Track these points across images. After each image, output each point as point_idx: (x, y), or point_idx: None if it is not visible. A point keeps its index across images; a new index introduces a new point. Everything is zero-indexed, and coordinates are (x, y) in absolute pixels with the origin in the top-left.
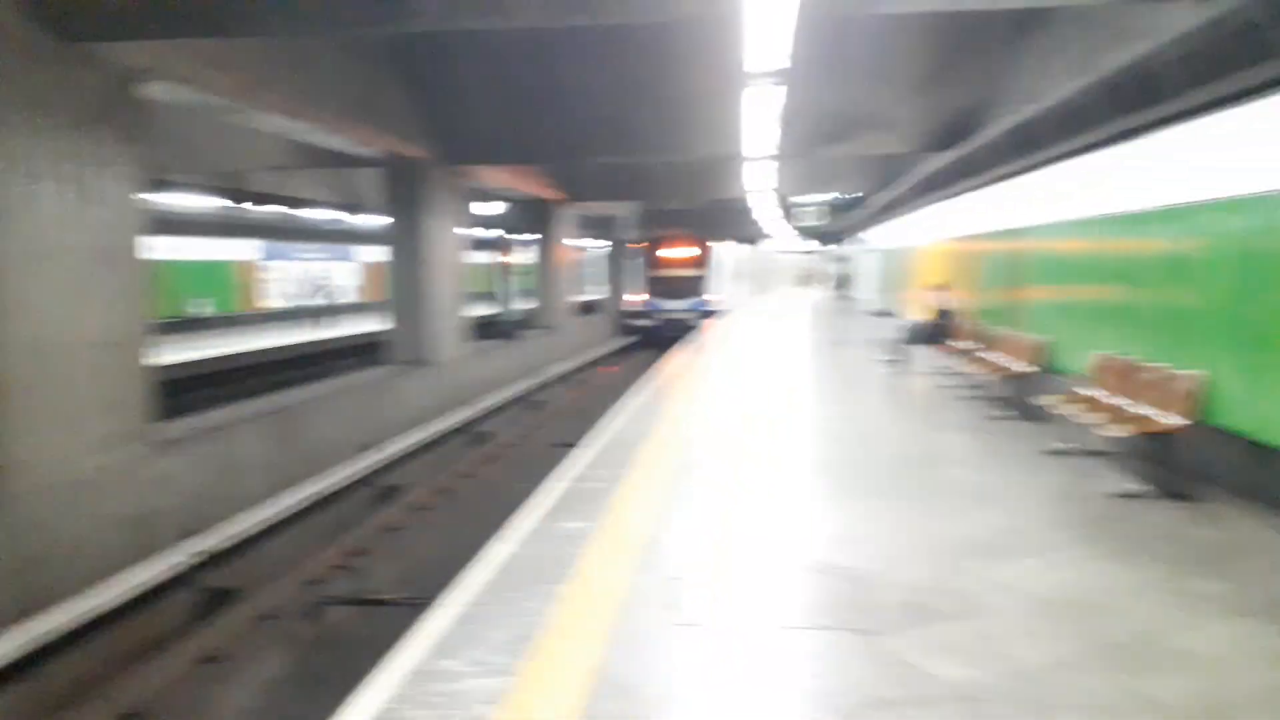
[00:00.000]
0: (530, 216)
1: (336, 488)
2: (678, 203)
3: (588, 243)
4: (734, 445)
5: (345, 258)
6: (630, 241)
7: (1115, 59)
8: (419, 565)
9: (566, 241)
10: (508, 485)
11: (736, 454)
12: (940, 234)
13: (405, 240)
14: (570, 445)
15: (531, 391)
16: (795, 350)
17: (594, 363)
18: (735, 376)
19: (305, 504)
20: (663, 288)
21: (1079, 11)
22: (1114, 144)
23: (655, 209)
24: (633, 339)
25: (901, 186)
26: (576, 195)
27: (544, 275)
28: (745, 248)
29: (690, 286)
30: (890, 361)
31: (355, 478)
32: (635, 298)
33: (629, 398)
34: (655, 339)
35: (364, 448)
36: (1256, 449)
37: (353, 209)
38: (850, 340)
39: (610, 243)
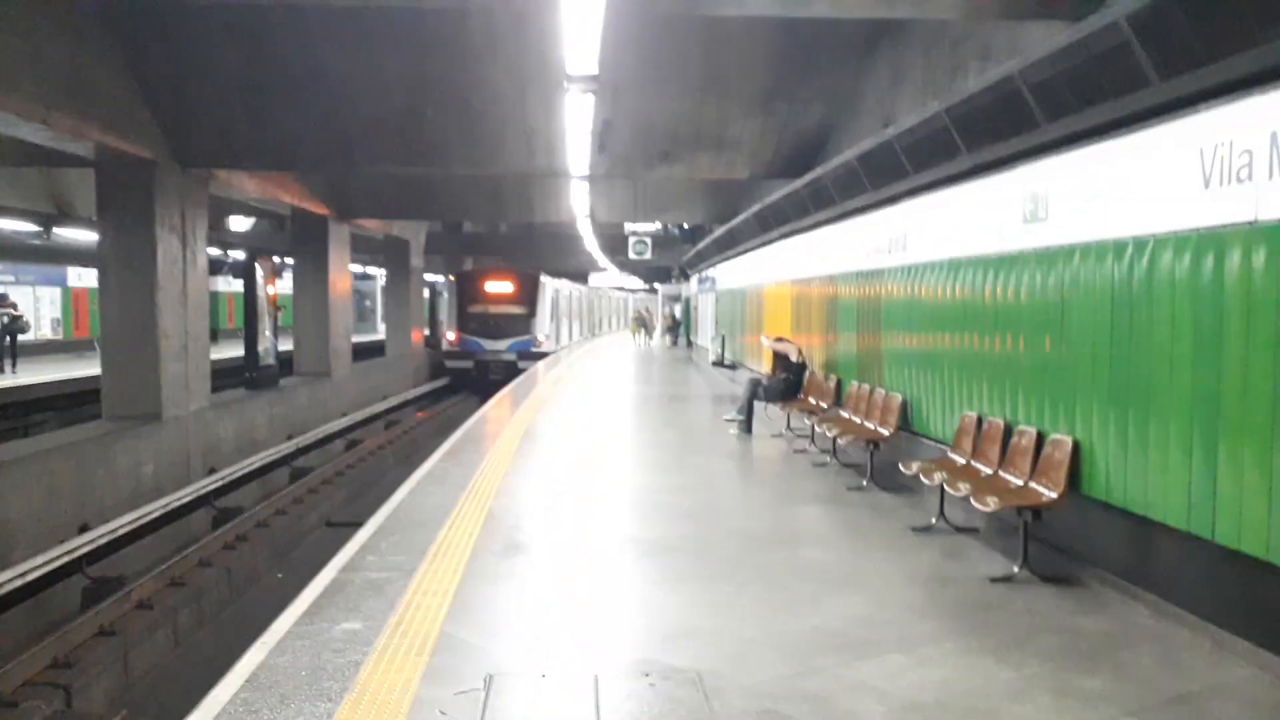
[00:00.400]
0: (296, 235)
1: (32, 579)
2: (482, 224)
3: (374, 270)
4: (557, 521)
5: (52, 281)
6: (420, 270)
7: (974, 81)
8: (143, 680)
9: (339, 267)
10: (262, 575)
11: (560, 532)
12: (788, 275)
13: (129, 260)
14: (348, 524)
15: (297, 454)
16: (628, 406)
17: (384, 417)
18: (562, 436)
19: None
20: (481, 325)
21: (934, 27)
22: (977, 176)
23: (456, 232)
24: (436, 385)
25: (744, 218)
26: (353, 211)
27: (309, 308)
28: (568, 283)
29: (515, 324)
30: (735, 421)
31: (59, 567)
32: (448, 335)
33: (429, 463)
34: (471, 384)
35: (73, 527)
36: (1138, 525)
37: (54, 220)
38: (690, 395)
39: (388, 270)
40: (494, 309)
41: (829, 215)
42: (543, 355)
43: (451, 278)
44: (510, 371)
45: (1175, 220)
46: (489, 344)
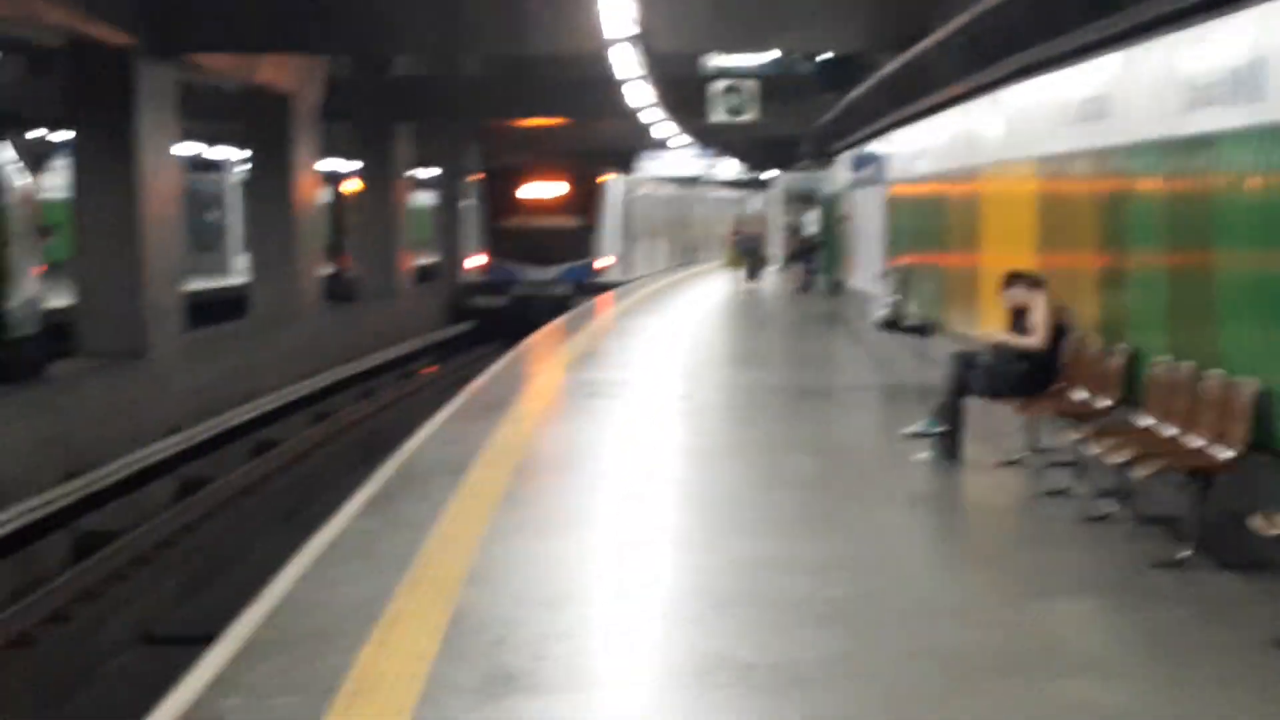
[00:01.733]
0: (74, 86)
1: None
2: (427, 63)
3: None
4: (586, 636)
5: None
6: (313, 147)
7: None
8: None
9: (158, 147)
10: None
11: (589, 659)
12: (1025, 149)
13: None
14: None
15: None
16: (729, 402)
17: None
18: (617, 457)
19: None
20: (521, 245)
21: None
22: None
23: (381, 78)
24: (364, 367)
25: (942, 37)
26: (182, 38)
27: (102, 227)
28: (648, 182)
29: (568, 243)
30: (926, 438)
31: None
32: (473, 262)
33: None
34: (500, 327)
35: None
36: None
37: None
38: (839, 387)
39: (253, 151)
40: (538, 221)
41: (1102, 33)
42: (605, 288)
43: (480, 175)
44: (559, 309)
45: None
46: (532, 271)
